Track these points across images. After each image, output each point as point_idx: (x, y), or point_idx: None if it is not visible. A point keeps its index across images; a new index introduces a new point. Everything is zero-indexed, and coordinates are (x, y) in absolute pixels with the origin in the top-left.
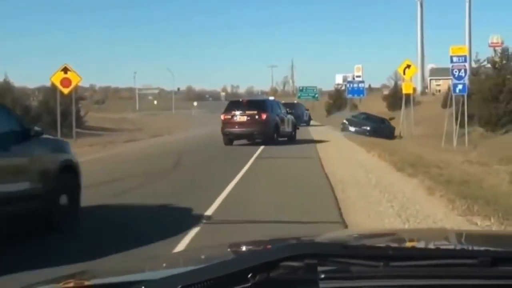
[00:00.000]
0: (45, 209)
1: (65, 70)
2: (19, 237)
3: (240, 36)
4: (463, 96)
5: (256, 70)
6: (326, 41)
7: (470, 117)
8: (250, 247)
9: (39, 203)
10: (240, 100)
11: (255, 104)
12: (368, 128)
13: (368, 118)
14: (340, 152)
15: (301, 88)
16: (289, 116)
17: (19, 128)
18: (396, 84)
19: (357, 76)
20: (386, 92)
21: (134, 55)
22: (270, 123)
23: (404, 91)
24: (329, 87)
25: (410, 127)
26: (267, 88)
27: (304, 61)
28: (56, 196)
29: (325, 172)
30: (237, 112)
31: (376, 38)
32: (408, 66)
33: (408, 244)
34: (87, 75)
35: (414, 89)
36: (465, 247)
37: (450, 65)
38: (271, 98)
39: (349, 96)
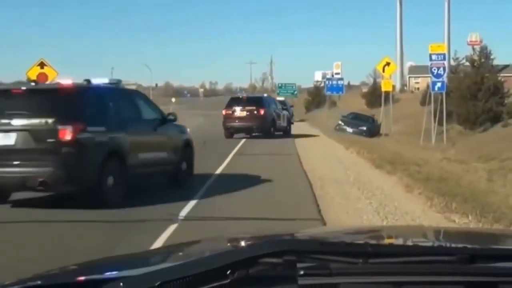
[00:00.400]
0: (174, 171)
1: (42, 65)
2: (155, 188)
3: (219, 32)
4: (441, 94)
5: (234, 67)
6: (305, 38)
7: (449, 114)
8: (229, 243)
9: (171, 167)
10: (240, 96)
11: (254, 100)
12: (365, 128)
13: (357, 117)
14: (319, 149)
15: (280, 84)
16: (284, 112)
17: (160, 116)
18: (375, 82)
19: (336, 73)
20: (365, 89)
21: (111, 50)
22: (268, 118)
23: (383, 89)
24: (308, 84)
25: (389, 124)
26: (245, 85)
27: (283, 57)
28: (180, 163)
29: (303, 169)
30: (237, 108)
31: (355, 35)
32: (388, 64)
33: (387, 241)
34: (64, 70)
35: (393, 87)
36: (444, 244)
37: (429, 63)
38: (265, 95)
39: (328, 93)
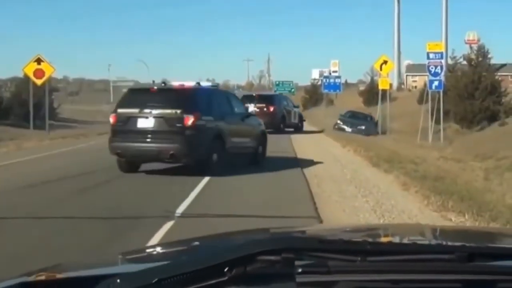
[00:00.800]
0: (253, 154)
1: (38, 61)
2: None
3: (216, 29)
4: (439, 92)
5: (232, 64)
6: (303, 35)
7: (446, 113)
8: (227, 240)
9: (252, 150)
10: (252, 94)
11: (264, 98)
12: (363, 127)
13: (355, 116)
14: (316, 147)
15: (277, 82)
16: (296, 109)
17: (245, 111)
18: (372, 80)
19: (334, 71)
20: (362, 87)
21: (108, 47)
22: (277, 115)
23: (380, 87)
24: (305, 82)
25: (386, 123)
26: (243, 82)
27: (281, 55)
28: (258, 147)
29: (301, 167)
30: (250, 105)
31: (352, 33)
32: (385, 62)
33: (385, 239)
34: (61, 67)
35: (390, 85)
36: (442, 242)
37: (426, 62)
38: (277, 92)
39: (325, 91)
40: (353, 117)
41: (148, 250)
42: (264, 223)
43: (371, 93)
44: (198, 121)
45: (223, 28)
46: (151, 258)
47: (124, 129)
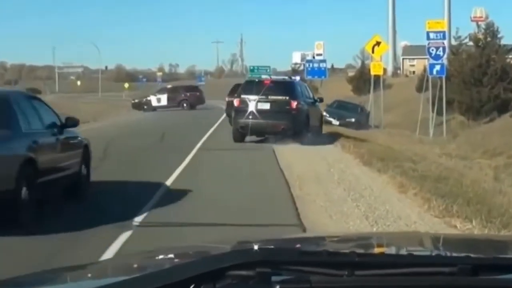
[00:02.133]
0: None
1: None
2: None
3: (179, 7)
4: (441, 78)
5: (198, 47)
6: (281, 13)
7: (449, 103)
8: (193, 253)
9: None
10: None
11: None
12: (353, 120)
13: (343, 106)
14: (297, 143)
15: (252, 67)
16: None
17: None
18: (363, 64)
19: (318, 55)
20: (351, 73)
21: (53, 29)
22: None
23: (372, 72)
24: (285, 67)
25: (379, 114)
26: (211, 68)
27: (255, 36)
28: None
29: (279, 166)
30: (256, 97)
31: (339, 10)
32: (378, 43)
33: (376, 250)
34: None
35: (384, 70)
36: (443, 253)
37: (426, 43)
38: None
39: (309, 77)
40: (341, 108)
41: (100, 265)
42: (235, 232)
43: (362, 80)
44: (298, 105)
45: (187, 5)
46: (104, 273)
47: (246, 109)
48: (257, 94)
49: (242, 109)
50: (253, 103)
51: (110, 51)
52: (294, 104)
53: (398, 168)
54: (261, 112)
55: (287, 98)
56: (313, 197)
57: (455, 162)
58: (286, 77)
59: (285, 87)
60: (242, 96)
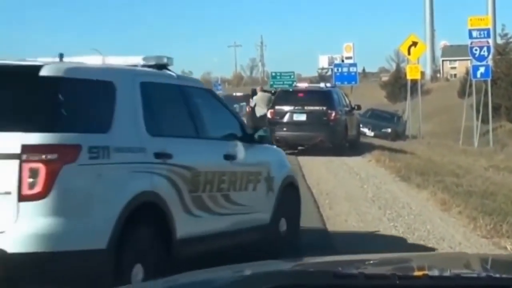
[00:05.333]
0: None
1: None
2: None
3: (193, 8)
4: (486, 82)
5: (213, 52)
6: (306, 13)
7: (496, 109)
8: (226, 274)
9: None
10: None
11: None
12: (389, 130)
13: (378, 115)
14: (325, 155)
15: (273, 74)
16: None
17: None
18: (398, 68)
19: (347, 58)
20: (385, 77)
21: (57, 33)
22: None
23: (409, 76)
24: (310, 72)
25: (417, 123)
26: (229, 75)
27: (277, 39)
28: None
29: (306, 183)
30: (291, 108)
31: (371, 9)
32: (414, 44)
33: (419, 272)
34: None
35: (422, 74)
36: (491, 275)
37: (468, 42)
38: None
39: (337, 83)
40: (375, 117)
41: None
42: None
43: (397, 85)
44: (337, 116)
45: (203, 6)
46: None
47: (281, 121)
48: (292, 104)
49: (276, 121)
50: (289, 114)
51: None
52: (332, 114)
53: (439, 183)
54: (297, 123)
55: (324, 108)
56: (344, 217)
57: (504, 175)
58: (323, 85)
59: (322, 96)
60: (276, 107)
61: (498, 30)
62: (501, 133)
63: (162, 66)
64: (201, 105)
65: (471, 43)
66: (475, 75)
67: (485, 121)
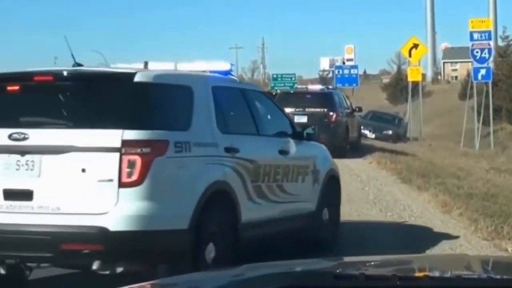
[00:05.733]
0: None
1: None
2: None
3: (193, 9)
4: (487, 84)
5: (214, 53)
6: (308, 14)
7: (497, 111)
8: (228, 275)
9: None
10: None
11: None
12: (390, 133)
13: (379, 117)
14: None
15: (275, 76)
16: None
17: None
18: (399, 70)
19: (349, 60)
20: (386, 80)
21: (53, 37)
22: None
23: (410, 78)
24: (311, 74)
25: (418, 125)
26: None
27: (278, 40)
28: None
29: None
30: (292, 110)
31: (372, 11)
32: (415, 46)
33: (420, 273)
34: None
35: (423, 76)
36: (492, 276)
37: (469, 44)
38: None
39: (338, 85)
40: (376, 119)
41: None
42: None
43: (398, 87)
44: (337, 117)
45: (200, 5)
46: None
47: None
48: (293, 106)
49: None
50: (290, 116)
51: (116, 57)
52: (333, 116)
53: (440, 185)
54: (298, 125)
55: (325, 110)
56: (346, 219)
57: (505, 177)
58: (324, 87)
59: (323, 98)
60: None
61: (499, 32)
62: (502, 135)
63: (226, 72)
64: (259, 106)
65: (472, 45)
66: (476, 77)
67: (486, 123)
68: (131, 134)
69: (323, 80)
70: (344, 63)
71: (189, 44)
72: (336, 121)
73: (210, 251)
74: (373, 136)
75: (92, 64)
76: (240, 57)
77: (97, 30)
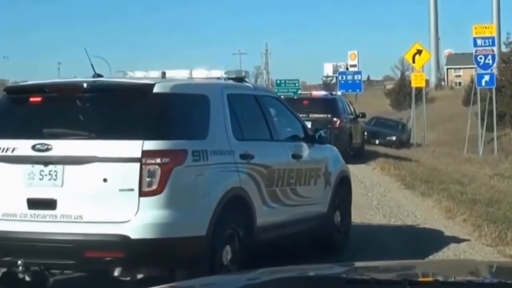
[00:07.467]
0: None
1: None
2: None
3: (197, 15)
4: (490, 90)
5: (218, 58)
6: (311, 20)
7: (500, 117)
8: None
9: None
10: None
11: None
12: (394, 139)
13: (383, 123)
14: None
15: (278, 81)
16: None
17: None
18: (403, 76)
19: (352, 66)
20: (389, 85)
21: (57, 44)
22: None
23: (413, 84)
24: (315, 80)
25: (422, 131)
26: None
27: (282, 46)
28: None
29: None
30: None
31: (376, 17)
32: (419, 52)
33: (429, 278)
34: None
35: (427, 82)
36: (503, 280)
37: (473, 50)
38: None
39: (342, 91)
40: (380, 125)
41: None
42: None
43: (402, 93)
44: (341, 123)
45: (206, 11)
46: None
47: None
48: (297, 112)
49: None
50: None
51: (118, 63)
52: (337, 122)
53: (444, 191)
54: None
55: (329, 116)
56: None
57: (508, 183)
58: (327, 93)
59: (327, 104)
60: None
61: (503, 39)
62: (505, 141)
63: (240, 79)
64: (273, 111)
65: (476, 51)
66: (479, 83)
67: (489, 129)
68: (151, 145)
69: (326, 86)
70: (347, 69)
71: (192, 50)
72: (339, 127)
73: (227, 254)
74: (376, 142)
75: (97, 71)
76: (244, 63)
77: (101, 33)
